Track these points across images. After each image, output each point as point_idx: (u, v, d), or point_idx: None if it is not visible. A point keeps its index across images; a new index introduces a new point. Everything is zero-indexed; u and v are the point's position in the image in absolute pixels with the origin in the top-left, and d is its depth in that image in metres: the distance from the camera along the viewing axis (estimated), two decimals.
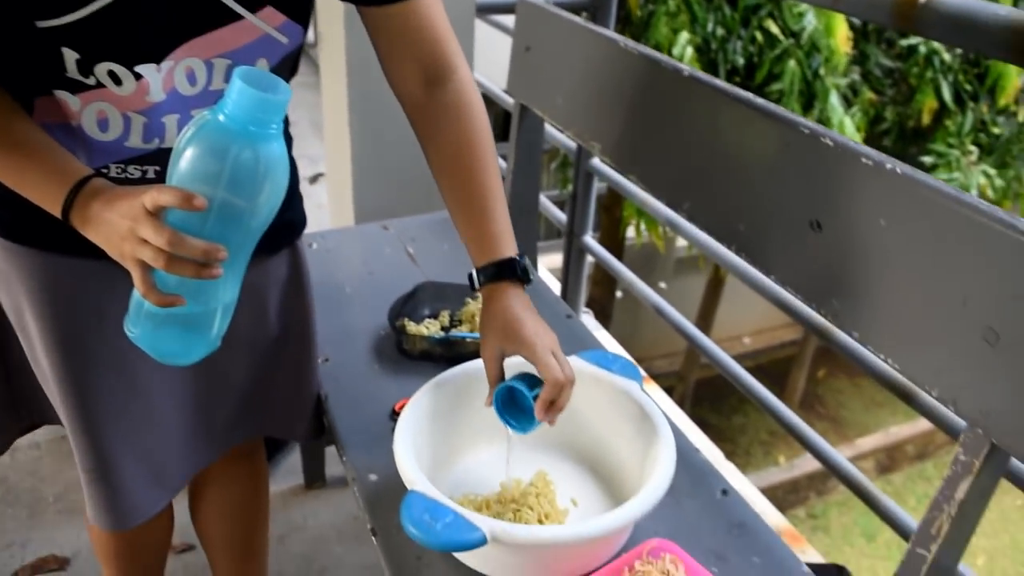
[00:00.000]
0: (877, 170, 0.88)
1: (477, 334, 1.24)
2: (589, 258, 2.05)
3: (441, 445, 1.03)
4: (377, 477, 1.04)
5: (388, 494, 1.00)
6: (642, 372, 1.05)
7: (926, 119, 5.91)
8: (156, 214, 0.69)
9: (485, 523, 0.81)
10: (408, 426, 0.96)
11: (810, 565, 1.34)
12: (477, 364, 1.05)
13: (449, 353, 1.25)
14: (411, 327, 1.28)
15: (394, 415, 1.15)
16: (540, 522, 0.95)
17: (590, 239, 2.00)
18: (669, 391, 4.11)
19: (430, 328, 1.29)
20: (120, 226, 0.71)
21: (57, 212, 0.76)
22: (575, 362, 1.06)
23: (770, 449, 5.86)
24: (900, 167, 0.86)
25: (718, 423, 5.85)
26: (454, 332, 1.28)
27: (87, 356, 0.95)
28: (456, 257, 1.56)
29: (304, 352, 1.14)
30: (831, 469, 1.29)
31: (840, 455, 1.30)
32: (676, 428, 1.05)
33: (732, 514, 1.00)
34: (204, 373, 1.01)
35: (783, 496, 5.40)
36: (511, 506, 0.96)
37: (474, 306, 1.32)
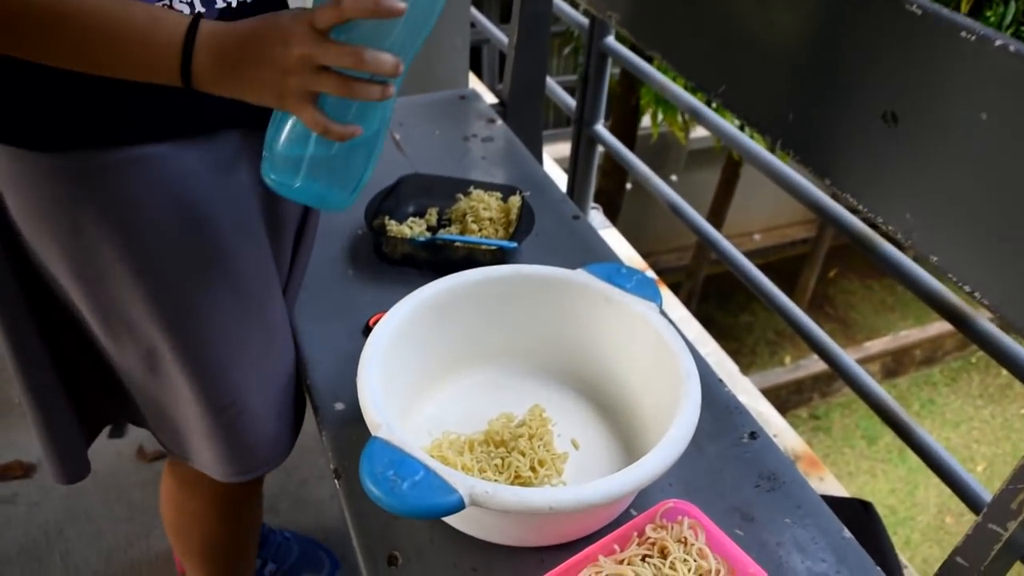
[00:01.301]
0: (980, 47, 0.68)
1: (470, 237, 1.06)
2: (599, 148, 1.84)
3: (419, 371, 0.87)
4: (344, 407, 0.89)
5: (356, 428, 0.85)
6: (661, 287, 0.88)
7: (964, 7, 5.53)
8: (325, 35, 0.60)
9: (463, 482, 0.65)
10: (378, 350, 0.79)
11: (833, 499, 1.20)
12: (467, 277, 0.88)
13: (435, 258, 1.07)
14: (392, 227, 1.10)
15: (368, 331, 0.98)
16: (533, 471, 0.80)
17: (601, 128, 1.79)
18: (676, 287, 3.96)
19: (414, 228, 1.11)
20: (284, 59, 0.60)
21: (172, 72, 0.62)
22: (582, 276, 0.88)
23: (776, 349, 5.77)
24: (1013, 44, 0.66)
25: (724, 320, 5.72)
26: (442, 234, 1.10)
27: (199, 277, 0.79)
28: (449, 146, 1.36)
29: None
30: (837, 370, 1.16)
31: (847, 356, 1.18)
32: (697, 354, 0.89)
33: (761, 463, 0.85)
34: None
35: (787, 396, 5.34)
36: (499, 451, 0.81)
37: (466, 203, 1.14)
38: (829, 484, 1.72)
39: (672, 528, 0.74)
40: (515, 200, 1.13)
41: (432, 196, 1.17)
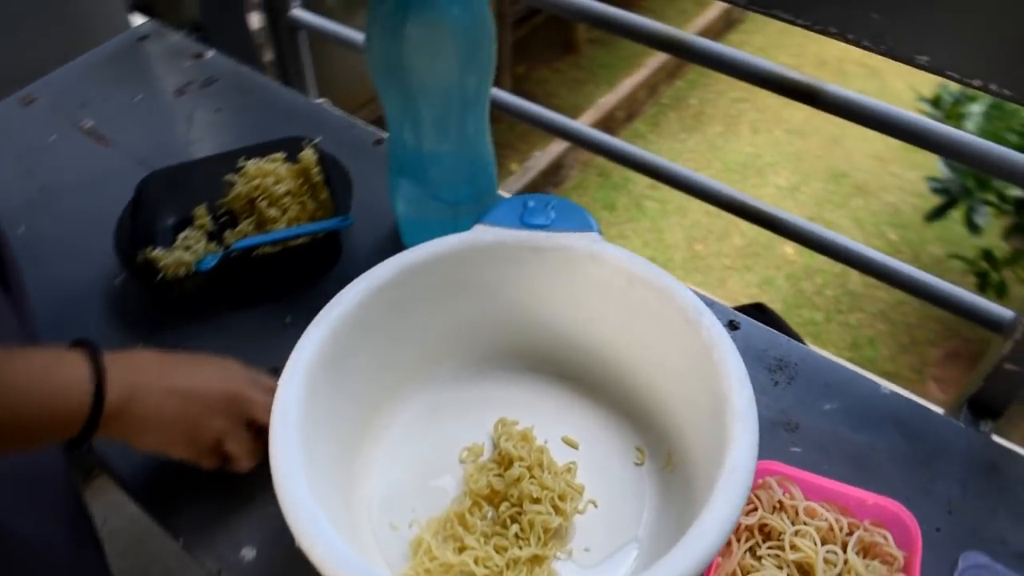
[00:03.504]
0: None
1: (278, 231, 0.77)
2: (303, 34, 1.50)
3: (348, 432, 0.61)
4: (254, 553, 0.61)
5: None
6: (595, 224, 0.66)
7: None
8: None
9: None
10: (290, 425, 0.52)
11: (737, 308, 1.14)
12: (374, 282, 0.61)
13: (242, 280, 0.77)
14: (163, 259, 0.76)
15: None
16: (558, 511, 0.59)
17: (301, 11, 1.44)
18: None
19: (194, 247, 0.79)
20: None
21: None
22: (491, 234, 0.65)
23: (502, 162, 5.76)
24: None
25: None
26: (234, 242, 0.79)
27: None
28: (164, 110, 0.99)
29: None
30: (579, 143, 1.11)
31: (582, 124, 1.14)
32: None
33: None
34: None
35: None
36: (505, 510, 0.59)
37: (244, 185, 0.82)
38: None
39: (760, 498, 0.58)
40: (308, 155, 0.82)
41: (190, 193, 0.83)
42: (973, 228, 2.83)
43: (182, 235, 0.80)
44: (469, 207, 0.77)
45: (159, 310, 0.77)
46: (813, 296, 3.48)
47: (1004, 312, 0.74)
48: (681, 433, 0.62)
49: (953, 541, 0.60)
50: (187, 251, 0.78)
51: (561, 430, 0.66)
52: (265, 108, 0.99)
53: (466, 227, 0.75)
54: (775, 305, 3.45)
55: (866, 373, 0.72)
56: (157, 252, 0.76)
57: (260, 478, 0.55)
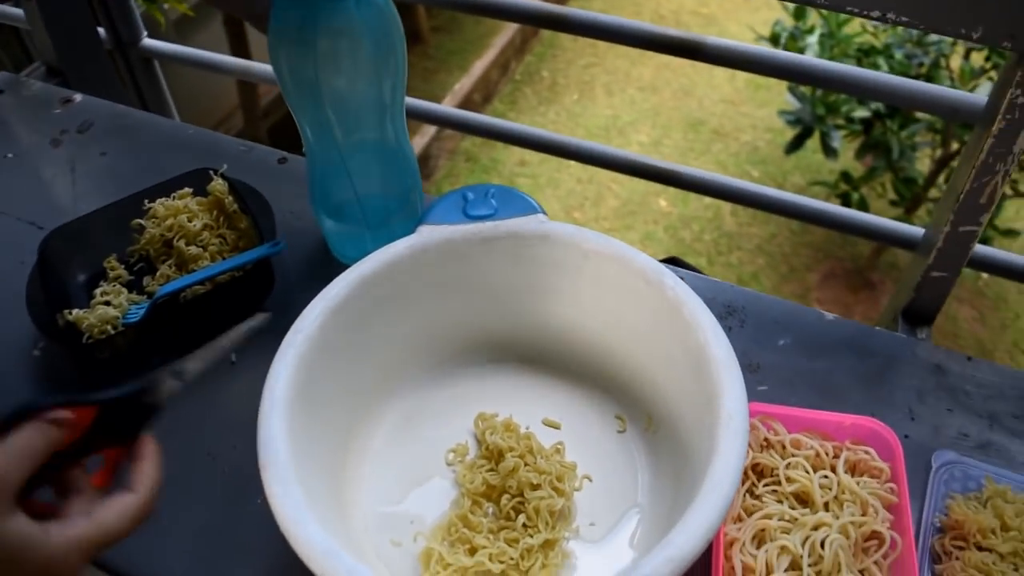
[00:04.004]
0: None
1: (204, 269, 0.73)
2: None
3: (331, 461, 0.59)
4: None
5: None
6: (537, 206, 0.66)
7: None
8: None
9: None
10: (285, 473, 0.50)
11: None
12: (346, 288, 0.59)
13: (174, 327, 0.73)
14: (87, 320, 0.71)
15: None
16: (559, 491, 0.59)
17: (151, 41, 1.38)
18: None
19: (115, 301, 0.74)
20: None
21: None
22: (439, 233, 0.64)
23: None
24: None
25: None
26: (158, 288, 0.75)
27: None
28: (45, 164, 0.92)
29: None
30: (441, 123, 1.17)
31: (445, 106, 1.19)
32: None
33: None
34: None
35: None
36: (507, 501, 0.59)
37: (155, 227, 0.77)
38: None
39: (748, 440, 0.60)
40: (217, 186, 0.79)
41: (96, 246, 0.78)
42: (830, 152, 3.00)
43: (99, 290, 0.75)
44: (398, 211, 0.75)
45: (91, 372, 0.72)
46: (693, 243, 3.61)
47: (914, 230, 0.80)
48: (658, 393, 0.63)
49: (921, 445, 0.64)
50: (110, 307, 0.73)
51: (540, 413, 0.67)
52: (151, 144, 0.94)
53: (398, 231, 0.74)
54: (660, 257, 3.58)
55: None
56: (77, 313, 0.71)
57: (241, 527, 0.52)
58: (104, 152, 0.92)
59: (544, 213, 0.65)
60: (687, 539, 0.46)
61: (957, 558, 0.55)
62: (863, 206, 3.05)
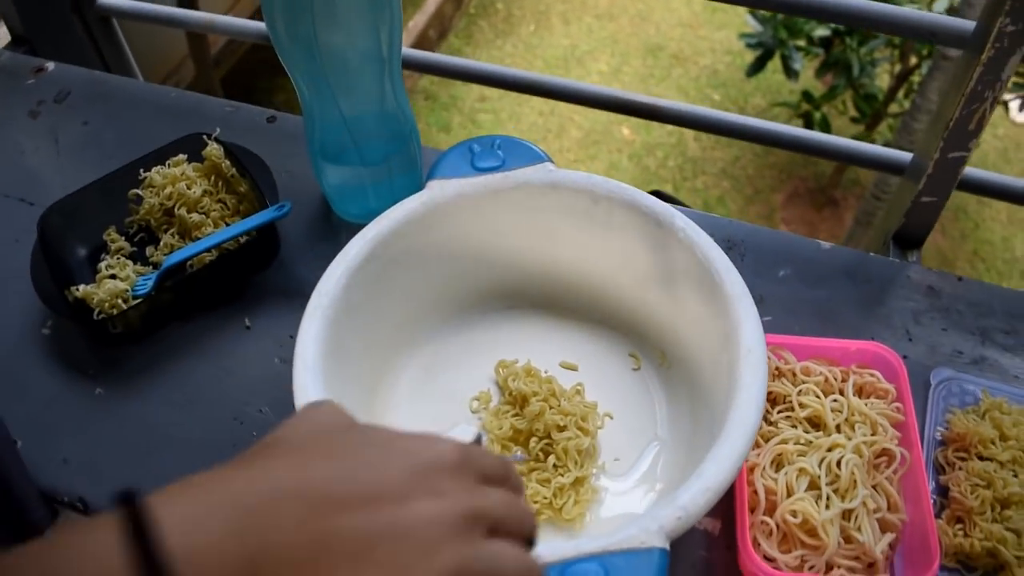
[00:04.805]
0: None
1: (211, 236, 0.74)
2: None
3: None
4: None
5: None
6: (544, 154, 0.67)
7: None
8: None
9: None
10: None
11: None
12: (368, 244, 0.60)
13: (183, 297, 0.73)
14: (95, 295, 0.71)
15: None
16: (583, 431, 0.62)
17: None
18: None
19: (122, 276, 0.74)
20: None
21: None
22: (451, 187, 0.64)
23: None
24: None
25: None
26: (166, 258, 0.75)
27: None
28: (26, 138, 0.90)
29: None
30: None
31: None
32: None
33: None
34: None
35: None
36: (537, 443, 0.61)
37: (154, 196, 0.77)
38: None
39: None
40: (213, 151, 0.78)
41: (95, 219, 0.78)
42: (791, 74, 3.01)
43: (103, 263, 0.75)
44: (399, 165, 0.76)
45: (104, 346, 0.72)
46: (658, 170, 3.64)
47: (902, 155, 0.82)
48: (671, 331, 0.66)
49: (920, 364, 0.68)
50: (116, 280, 0.73)
51: (557, 356, 0.69)
52: (133, 110, 0.92)
53: (398, 182, 0.75)
54: None
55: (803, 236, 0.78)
56: (85, 288, 0.71)
57: None
58: (86, 121, 0.90)
59: (551, 161, 0.66)
60: (719, 469, 0.49)
61: (960, 468, 0.59)
62: (825, 125, 3.09)
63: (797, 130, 0.87)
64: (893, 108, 3.06)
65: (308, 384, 0.54)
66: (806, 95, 3.12)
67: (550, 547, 0.46)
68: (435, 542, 0.26)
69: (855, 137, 3.11)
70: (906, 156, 0.81)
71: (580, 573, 0.45)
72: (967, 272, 3.11)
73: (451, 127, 4.03)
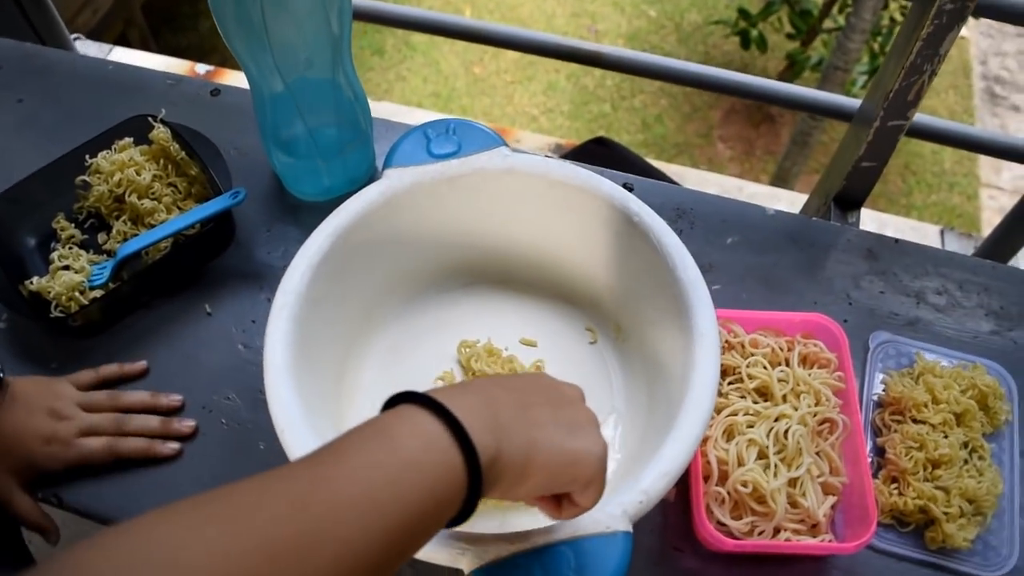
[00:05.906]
0: None
1: (165, 224, 0.73)
2: None
3: (329, 407, 0.63)
4: None
5: None
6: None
7: None
8: None
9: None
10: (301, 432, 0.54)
11: (579, 150, 1.22)
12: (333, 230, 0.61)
13: (140, 288, 0.73)
14: (52, 287, 0.71)
15: None
16: None
17: None
18: (125, 39, 3.36)
19: (76, 267, 0.73)
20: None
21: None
22: (407, 176, 0.65)
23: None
24: None
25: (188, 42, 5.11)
26: (120, 247, 0.74)
27: None
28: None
29: None
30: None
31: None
32: None
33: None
34: None
35: None
36: None
37: (102, 183, 0.75)
38: None
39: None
40: (159, 133, 0.76)
41: (42, 207, 0.76)
42: None
43: (55, 254, 0.74)
44: (352, 142, 0.76)
45: (64, 339, 0.72)
46: (596, 90, 3.62)
47: (851, 102, 0.84)
48: (626, 305, 0.68)
49: (859, 327, 0.72)
50: (69, 272, 0.72)
51: (517, 333, 0.71)
52: (70, 85, 0.89)
53: (351, 160, 0.75)
54: (564, 107, 3.58)
55: (751, 200, 0.80)
56: (40, 282, 0.71)
57: None
58: (21, 99, 0.87)
59: (506, 145, 0.67)
60: (676, 453, 0.52)
61: (895, 431, 0.64)
62: (762, 42, 3.10)
63: (747, 77, 0.89)
64: (827, 24, 3.08)
65: (279, 384, 0.55)
66: (742, 12, 3.12)
67: (522, 533, 0.49)
68: (582, 423, 0.45)
69: (790, 54, 3.14)
70: (855, 102, 0.83)
71: (554, 556, 0.49)
72: (898, 186, 3.21)
73: (385, 50, 3.93)
